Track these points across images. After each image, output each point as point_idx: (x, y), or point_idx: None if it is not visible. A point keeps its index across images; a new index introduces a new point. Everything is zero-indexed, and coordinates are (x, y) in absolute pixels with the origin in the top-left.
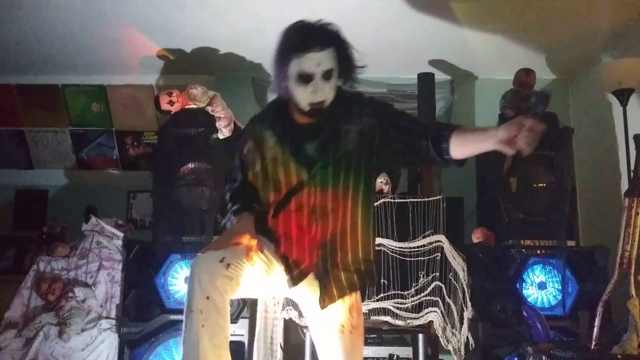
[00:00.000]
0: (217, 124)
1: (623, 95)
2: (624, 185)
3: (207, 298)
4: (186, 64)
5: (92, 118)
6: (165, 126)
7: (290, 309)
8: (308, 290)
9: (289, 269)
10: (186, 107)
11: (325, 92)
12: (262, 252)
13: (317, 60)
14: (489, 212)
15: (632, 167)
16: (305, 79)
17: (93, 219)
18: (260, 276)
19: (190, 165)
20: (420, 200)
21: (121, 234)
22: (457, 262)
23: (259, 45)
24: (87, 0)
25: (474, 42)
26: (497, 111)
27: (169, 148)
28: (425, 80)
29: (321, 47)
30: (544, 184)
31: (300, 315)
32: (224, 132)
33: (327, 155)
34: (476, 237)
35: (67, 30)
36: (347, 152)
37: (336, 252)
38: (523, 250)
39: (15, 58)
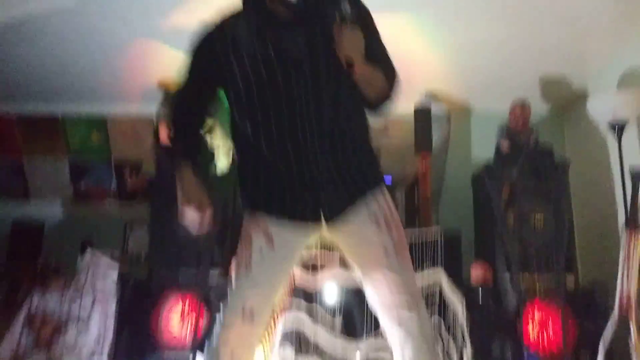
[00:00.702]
0: (216, 154)
1: (617, 128)
2: (621, 217)
3: None
4: None
5: (91, 148)
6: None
7: (288, 345)
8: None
9: (298, 207)
10: None
11: None
12: (267, 235)
13: None
14: (487, 244)
15: (629, 200)
16: None
17: (88, 253)
18: (281, 255)
19: None
20: (418, 232)
21: (116, 269)
22: (456, 297)
23: None
24: (89, 31)
25: (469, 74)
26: (493, 144)
27: (167, 179)
28: (422, 113)
29: None
30: (542, 217)
31: (298, 350)
32: (222, 162)
33: (317, 47)
34: (474, 270)
35: (68, 61)
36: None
37: (334, 158)
38: (521, 288)
39: (16, 88)
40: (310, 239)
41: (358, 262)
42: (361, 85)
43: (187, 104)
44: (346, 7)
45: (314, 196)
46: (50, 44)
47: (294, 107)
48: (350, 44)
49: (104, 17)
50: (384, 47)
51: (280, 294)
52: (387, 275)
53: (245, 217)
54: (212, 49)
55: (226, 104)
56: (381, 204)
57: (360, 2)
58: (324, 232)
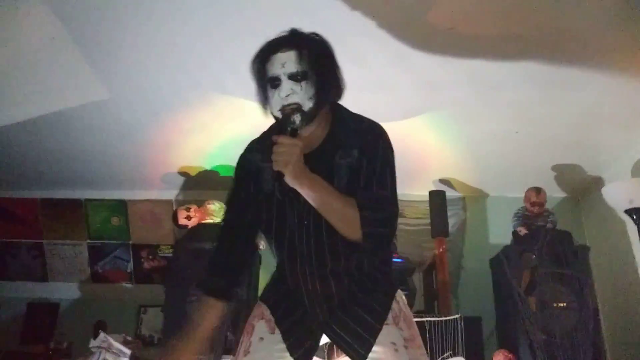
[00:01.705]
0: None
1: (635, 214)
2: None
3: None
4: (206, 180)
5: (110, 231)
6: (182, 240)
7: None
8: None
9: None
10: (203, 221)
11: (298, 95)
12: (270, 325)
13: (282, 61)
14: (509, 333)
15: None
16: (272, 83)
17: (101, 335)
18: None
19: None
20: (437, 319)
21: (128, 352)
22: None
23: None
24: (119, 123)
25: (483, 161)
26: (510, 228)
27: (184, 262)
28: (437, 198)
29: (287, 48)
30: (565, 304)
31: None
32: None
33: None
34: (497, 359)
35: (96, 149)
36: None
37: (340, 303)
38: None
39: (42, 173)
40: None
41: None
42: (319, 210)
43: (228, 243)
44: (296, 118)
45: (314, 346)
46: (81, 134)
47: (294, 249)
48: (283, 154)
49: (133, 112)
50: (382, 184)
51: None
52: None
53: (256, 305)
54: (243, 175)
55: None
56: (394, 310)
57: (370, 125)
58: None
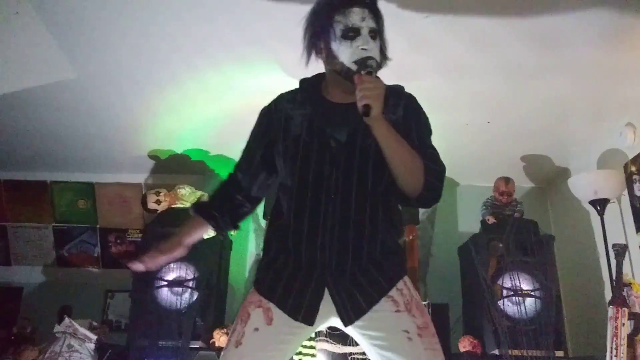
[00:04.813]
0: None
1: (599, 205)
2: (608, 293)
3: None
4: (176, 164)
5: (77, 214)
6: (151, 224)
7: None
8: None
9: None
10: (173, 206)
11: (374, 50)
12: (268, 316)
13: (362, 15)
14: (475, 319)
15: (614, 276)
16: (351, 34)
17: (66, 320)
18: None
19: (172, 265)
20: None
21: (94, 337)
22: None
23: None
24: (85, 105)
25: (455, 150)
26: (479, 217)
27: (153, 247)
28: None
29: (361, 5)
30: (529, 292)
31: None
32: (208, 232)
33: (354, 142)
34: (462, 345)
35: (61, 131)
36: (375, 143)
37: (354, 254)
38: None
39: (5, 154)
40: (318, 327)
41: (378, 352)
42: (388, 153)
43: (237, 177)
44: (373, 62)
45: (316, 299)
46: (46, 114)
47: (319, 190)
48: (372, 89)
49: (101, 92)
50: (431, 144)
51: None
52: None
53: (250, 291)
54: (270, 119)
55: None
56: (399, 288)
57: (409, 96)
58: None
